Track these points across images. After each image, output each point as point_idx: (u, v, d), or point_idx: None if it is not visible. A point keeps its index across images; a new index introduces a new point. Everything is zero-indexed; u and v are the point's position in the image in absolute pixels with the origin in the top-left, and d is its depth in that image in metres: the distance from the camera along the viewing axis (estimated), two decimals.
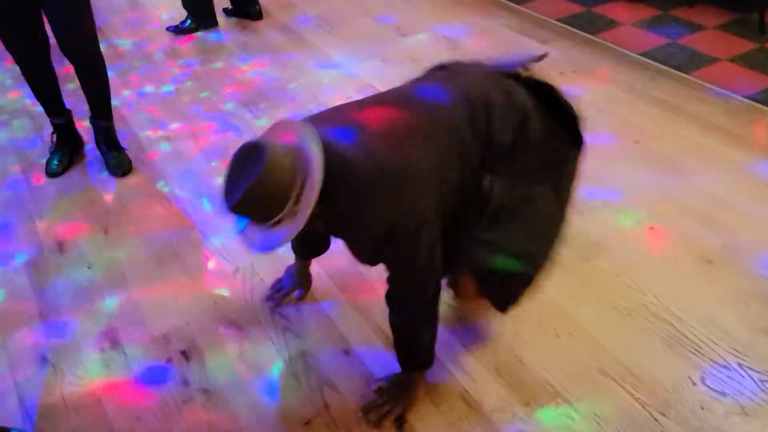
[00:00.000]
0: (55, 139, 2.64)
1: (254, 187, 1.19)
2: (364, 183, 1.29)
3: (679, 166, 2.45)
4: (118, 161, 2.61)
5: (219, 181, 2.54)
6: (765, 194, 2.30)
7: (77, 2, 2.27)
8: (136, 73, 3.37)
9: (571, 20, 3.62)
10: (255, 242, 1.29)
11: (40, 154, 2.73)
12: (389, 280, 1.50)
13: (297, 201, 1.22)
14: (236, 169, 1.24)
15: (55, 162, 2.62)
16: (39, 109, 2.70)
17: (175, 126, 2.91)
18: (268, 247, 1.26)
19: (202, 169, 2.63)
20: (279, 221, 1.23)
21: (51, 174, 2.60)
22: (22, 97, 3.14)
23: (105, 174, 2.62)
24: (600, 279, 2.01)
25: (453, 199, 1.42)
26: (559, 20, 3.62)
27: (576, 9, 3.76)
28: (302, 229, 1.23)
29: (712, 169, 2.43)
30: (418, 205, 1.34)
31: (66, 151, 2.65)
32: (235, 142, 2.75)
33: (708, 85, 2.93)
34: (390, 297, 1.54)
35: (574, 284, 1.99)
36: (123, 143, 2.71)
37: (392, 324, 1.59)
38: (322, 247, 1.84)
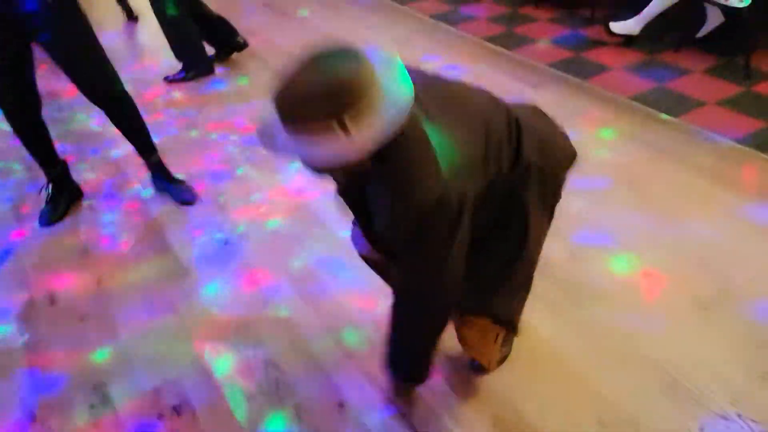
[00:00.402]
0: (50, 189, 2.65)
1: (328, 80, 1.05)
2: (426, 149, 1.22)
3: (671, 210, 2.47)
4: (182, 190, 2.68)
5: (214, 224, 2.54)
6: (757, 237, 2.31)
7: (90, 50, 2.34)
8: None
9: (562, 65, 3.69)
10: (285, 148, 1.12)
11: (34, 203, 2.73)
12: (408, 268, 1.39)
13: (356, 122, 1.06)
14: (314, 58, 1.09)
15: (48, 212, 2.62)
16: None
17: (174, 174, 2.92)
18: (307, 161, 1.11)
19: (200, 216, 2.63)
20: (319, 135, 1.07)
21: (44, 224, 2.60)
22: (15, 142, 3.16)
23: (98, 223, 2.62)
24: (595, 326, 2.00)
25: (478, 209, 1.36)
26: (549, 65, 3.69)
27: (566, 54, 3.84)
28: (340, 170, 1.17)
29: (704, 213, 2.44)
30: (466, 187, 1.27)
31: (60, 201, 2.66)
32: (235, 189, 2.78)
33: (697, 129, 2.98)
34: (404, 288, 1.42)
35: (569, 331, 1.98)
36: (121, 193, 2.73)
37: (394, 314, 1.47)
38: None
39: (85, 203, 2.75)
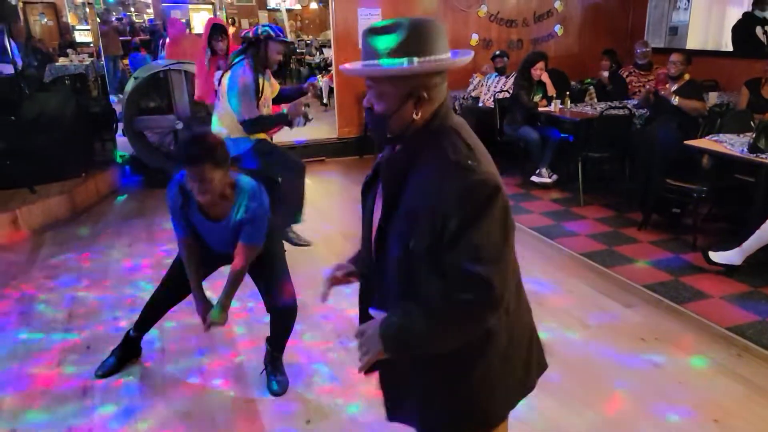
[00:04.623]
0: (119, 344, 3.02)
1: (418, 22, 1.29)
2: (470, 134, 1.37)
3: None
4: (278, 383, 2.85)
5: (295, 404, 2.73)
6: None
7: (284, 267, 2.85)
8: None
9: (658, 287, 3.74)
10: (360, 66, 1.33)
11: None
12: (457, 262, 1.25)
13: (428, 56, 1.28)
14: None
15: (108, 364, 2.97)
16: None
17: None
18: (381, 68, 1.29)
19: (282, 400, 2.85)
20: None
21: (99, 374, 2.93)
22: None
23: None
24: None
25: None
26: (645, 286, 3.75)
27: (664, 277, 3.89)
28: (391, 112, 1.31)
29: None
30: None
31: (120, 357, 3.00)
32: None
33: None
34: (448, 292, 1.26)
35: None
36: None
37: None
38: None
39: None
